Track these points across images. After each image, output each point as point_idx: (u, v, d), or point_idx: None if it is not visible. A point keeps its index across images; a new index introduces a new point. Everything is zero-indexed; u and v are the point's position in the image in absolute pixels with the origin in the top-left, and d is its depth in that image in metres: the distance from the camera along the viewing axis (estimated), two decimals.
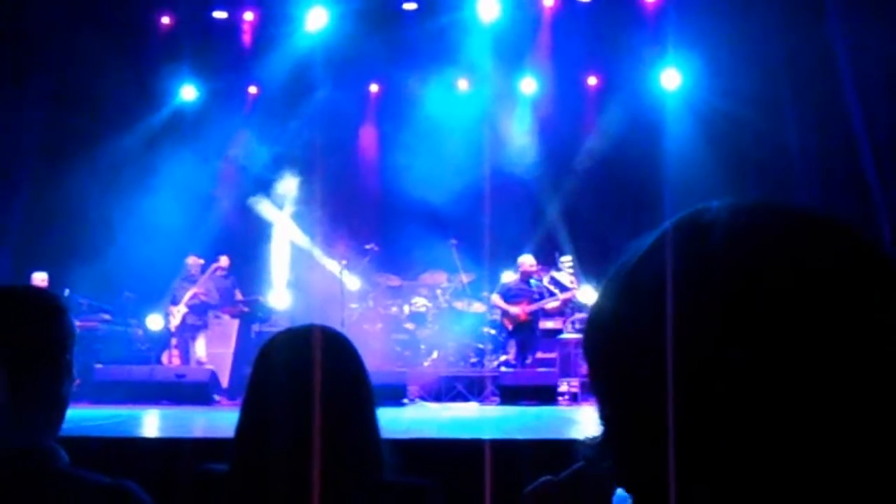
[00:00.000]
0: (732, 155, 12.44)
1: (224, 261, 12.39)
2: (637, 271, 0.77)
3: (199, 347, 11.94)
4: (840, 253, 0.70)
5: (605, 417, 0.79)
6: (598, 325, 0.80)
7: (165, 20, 14.35)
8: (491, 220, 11.94)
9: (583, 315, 11.78)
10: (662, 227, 0.78)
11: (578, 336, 11.52)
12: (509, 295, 11.62)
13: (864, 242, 0.72)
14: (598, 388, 0.80)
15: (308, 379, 1.80)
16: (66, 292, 11.30)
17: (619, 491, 0.82)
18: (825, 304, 0.67)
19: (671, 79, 13.84)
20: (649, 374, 0.70)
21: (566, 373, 11.27)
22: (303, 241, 13.66)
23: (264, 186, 13.74)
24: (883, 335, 0.67)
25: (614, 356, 0.77)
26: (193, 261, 12.23)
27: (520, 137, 14.06)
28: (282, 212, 13.73)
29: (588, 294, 11.61)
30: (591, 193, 13.79)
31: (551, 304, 11.73)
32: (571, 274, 12.10)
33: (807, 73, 11.92)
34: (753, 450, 0.66)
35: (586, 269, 12.16)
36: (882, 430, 0.65)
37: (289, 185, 13.71)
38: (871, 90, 11.08)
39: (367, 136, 15.16)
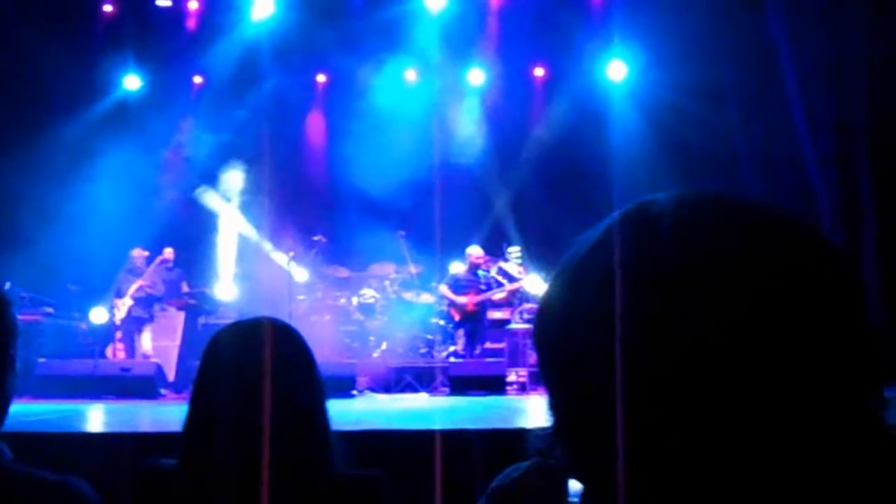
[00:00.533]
0: (678, 145, 12.58)
1: (169, 253, 12.24)
2: (585, 263, 0.77)
3: (145, 340, 11.80)
4: (786, 246, 0.72)
5: (554, 407, 0.80)
6: (547, 316, 0.81)
7: (108, 8, 14.11)
8: (439, 211, 11.94)
9: (531, 305, 11.85)
10: (609, 219, 0.79)
11: (526, 326, 11.58)
12: (457, 285, 11.66)
13: (810, 233, 0.73)
14: (547, 378, 0.80)
15: (257, 372, 1.79)
16: (7, 285, 11.07)
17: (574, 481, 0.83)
18: (769, 299, 0.68)
19: (617, 70, 13.95)
20: (597, 365, 0.71)
21: (514, 363, 11.33)
22: (250, 232, 13.55)
23: (210, 177, 13.59)
24: (831, 330, 0.68)
25: (562, 346, 0.77)
26: (138, 253, 12.06)
27: (468, 128, 14.08)
28: (228, 203, 13.59)
29: (535, 284, 11.68)
30: (538, 184, 13.87)
31: (499, 295, 11.80)
32: (519, 264, 12.17)
33: (750, 63, 12.11)
34: (699, 441, 0.68)
35: (534, 259, 12.23)
36: (829, 427, 0.67)
37: (235, 175, 13.57)
38: (811, 79, 11.29)
39: (315, 127, 15.07)
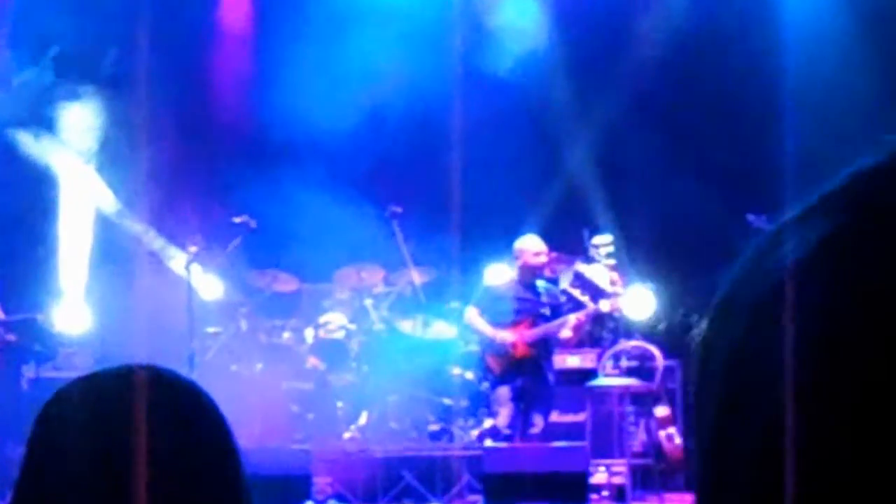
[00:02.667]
0: None
1: None
2: (809, 273, 0.75)
3: None
4: None
5: None
6: (710, 372, 0.78)
7: None
8: (464, 171, 11.96)
9: (636, 343, 11.86)
10: (832, 187, 0.77)
11: (628, 383, 11.59)
12: (499, 310, 11.64)
13: None
14: (713, 482, 0.78)
15: (127, 465, 1.78)
16: None
17: None
18: None
19: None
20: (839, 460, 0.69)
21: (605, 450, 11.35)
22: (116, 210, 13.62)
23: (43, 111, 13.66)
24: None
25: (762, 444, 0.75)
26: None
27: (517, 18, 14.11)
28: (77, 157, 13.67)
29: (643, 303, 11.69)
30: (647, 124, 13.88)
31: (572, 326, 11.71)
32: (612, 268, 12.15)
33: None
34: None
35: (639, 258, 12.26)
36: None
37: (89, 106, 13.65)
38: None
39: (234, 14, 15.14)
